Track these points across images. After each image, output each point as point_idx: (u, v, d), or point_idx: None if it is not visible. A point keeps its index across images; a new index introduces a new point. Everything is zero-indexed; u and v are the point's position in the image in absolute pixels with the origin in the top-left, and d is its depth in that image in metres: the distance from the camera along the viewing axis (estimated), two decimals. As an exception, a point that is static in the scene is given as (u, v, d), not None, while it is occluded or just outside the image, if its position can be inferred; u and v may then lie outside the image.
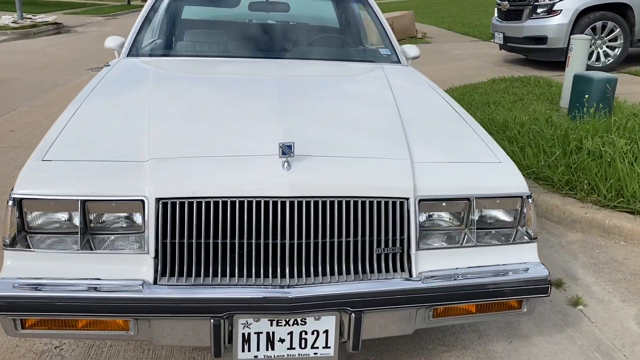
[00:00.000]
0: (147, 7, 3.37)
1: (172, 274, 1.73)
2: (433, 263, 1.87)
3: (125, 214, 1.75)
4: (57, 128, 2.08)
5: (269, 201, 1.74)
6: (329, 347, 1.78)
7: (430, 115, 2.41)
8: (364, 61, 3.26)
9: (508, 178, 1.96)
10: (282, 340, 1.76)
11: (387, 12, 15.20)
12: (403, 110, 2.37)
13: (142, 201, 1.72)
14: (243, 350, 1.75)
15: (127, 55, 3.13)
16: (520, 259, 1.95)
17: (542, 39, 8.14)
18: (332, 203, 1.77)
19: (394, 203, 1.82)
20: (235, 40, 3.31)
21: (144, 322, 1.71)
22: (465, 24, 16.37)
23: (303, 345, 1.77)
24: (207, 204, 1.73)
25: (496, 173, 1.97)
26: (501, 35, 8.92)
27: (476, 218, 1.91)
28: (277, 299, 1.67)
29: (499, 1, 9.17)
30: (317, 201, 1.76)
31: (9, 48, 12.73)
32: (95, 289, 1.66)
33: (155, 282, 1.70)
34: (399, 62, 3.33)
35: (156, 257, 1.72)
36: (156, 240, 1.72)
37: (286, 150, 1.78)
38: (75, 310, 1.65)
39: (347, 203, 1.78)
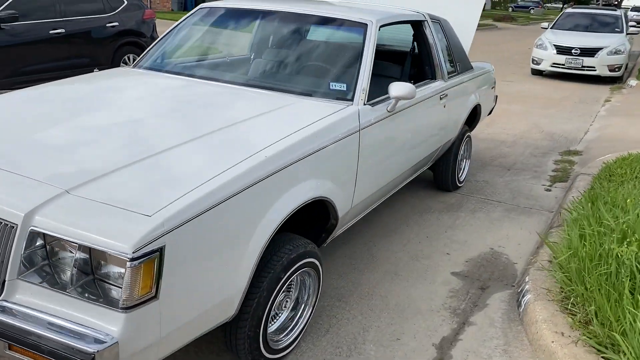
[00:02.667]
0: (172, 27, 3.76)
1: None
2: (32, 298, 1.80)
3: None
4: None
5: None
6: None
7: (206, 157, 2.17)
8: (300, 94, 2.93)
9: (125, 233, 1.71)
10: None
11: None
12: (187, 146, 2.23)
13: None
14: None
15: (133, 67, 3.59)
16: (104, 324, 1.69)
17: None
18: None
19: (5, 225, 1.84)
20: (206, 62, 3.43)
21: None
22: None
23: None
24: None
25: (125, 225, 1.74)
26: None
27: (81, 266, 1.75)
28: None
29: None
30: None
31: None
32: None
33: None
34: (350, 100, 2.93)
35: None
36: None
37: None
38: None
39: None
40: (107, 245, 1.70)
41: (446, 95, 4.00)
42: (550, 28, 13.22)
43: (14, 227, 1.82)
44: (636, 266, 2.58)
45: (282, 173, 2.27)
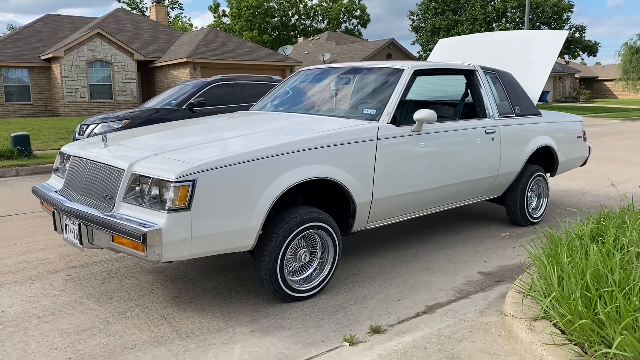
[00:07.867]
0: (280, 83, 5.15)
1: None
2: (129, 211, 3.05)
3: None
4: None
5: (86, 158, 3.45)
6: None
7: (248, 141, 3.35)
8: (341, 117, 3.99)
9: (174, 171, 2.89)
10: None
11: None
12: (242, 137, 3.46)
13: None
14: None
15: (251, 109, 5.03)
16: (154, 220, 2.86)
17: None
18: (97, 166, 3.30)
19: (118, 171, 3.16)
20: (286, 101, 4.70)
21: None
22: None
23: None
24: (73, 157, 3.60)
25: (176, 167, 2.93)
26: None
27: (154, 192, 2.97)
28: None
29: None
30: (93, 164, 3.34)
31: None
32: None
33: None
34: (376, 120, 3.88)
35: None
36: None
37: (103, 138, 3.44)
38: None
39: (104, 166, 3.26)
40: (164, 177, 2.91)
41: (494, 131, 4.67)
42: None
43: (122, 171, 3.14)
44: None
45: (296, 154, 3.31)
